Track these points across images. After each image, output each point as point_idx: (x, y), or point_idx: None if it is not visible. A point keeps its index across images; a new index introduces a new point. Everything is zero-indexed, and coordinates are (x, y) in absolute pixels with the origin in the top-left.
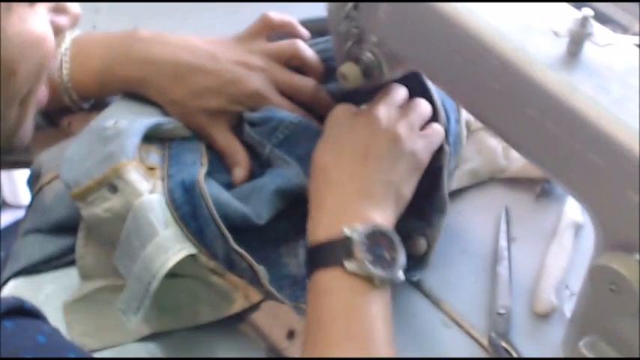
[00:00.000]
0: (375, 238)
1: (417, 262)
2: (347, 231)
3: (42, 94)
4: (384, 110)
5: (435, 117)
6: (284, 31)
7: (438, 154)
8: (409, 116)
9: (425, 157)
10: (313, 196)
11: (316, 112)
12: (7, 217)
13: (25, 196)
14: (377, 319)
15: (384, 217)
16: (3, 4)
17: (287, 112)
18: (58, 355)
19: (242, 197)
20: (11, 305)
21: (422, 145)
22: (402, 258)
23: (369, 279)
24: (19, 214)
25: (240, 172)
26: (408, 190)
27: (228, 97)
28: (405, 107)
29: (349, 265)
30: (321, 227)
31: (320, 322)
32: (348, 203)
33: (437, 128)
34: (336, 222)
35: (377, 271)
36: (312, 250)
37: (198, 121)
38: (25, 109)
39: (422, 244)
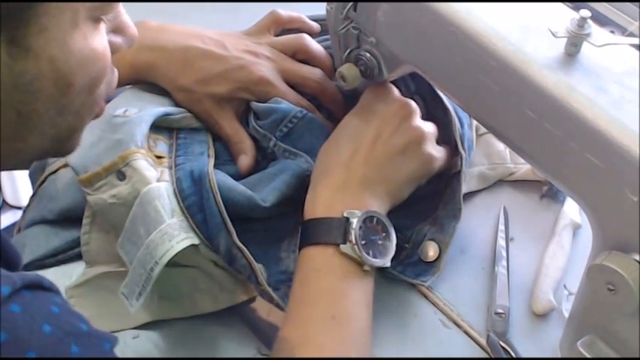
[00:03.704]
0: (372, 224)
1: (428, 267)
2: (347, 213)
3: (99, 106)
4: (416, 111)
5: (446, 122)
6: (293, 27)
7: (455, 159)
8: (431, 129)
9: (435, 168)
10: (322, 164)
11: (322, 102)
12: (8, 218)
13: (25, 197)
14: (361, 304)
15: (380, 209)
16: (71, 21)
17: (291, 106)
18: (71, 326)
19: (251, 186)
20: (32, 280)
21: (439, 155)
22: (392, 247)
23: (359, 263)
24: (20, 214)
25: (245, 159)
26: (406, 192)
27: (234, 82)
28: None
29: (344, 247)
30: (322, 203)
31: (306, 298)
32: (353, 186)
33: (447, 151)
34: (338, 201)
35: (368, 257)
36: (308, 224)
37: (205, 107)
38: (79, 120)
39: (434, 249)
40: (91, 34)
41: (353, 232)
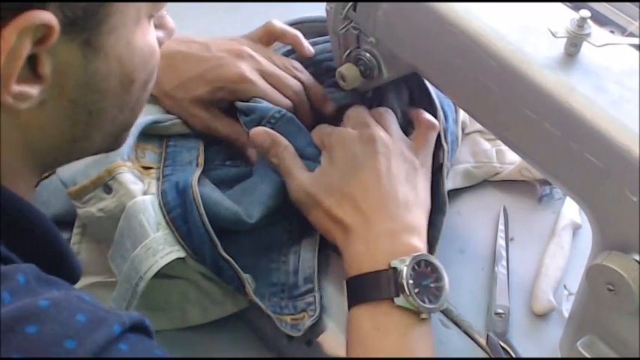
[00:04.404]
0: (421, 269)
1: None
2: (394, 264)
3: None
4: (376, 130)
5: (432, 116)
6: (286, 42)
7: (437, 152)
8: (392, 128)
9: (429, 160)
10: (344, 229)
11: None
12: None
13: None
14: (427, 355)
15: (421, 233)
16: (134, 18)
17: (270, 105)
18: None
19: (235, 199)
20: (137, 320)
21: (424, 151)
22: (446, 286)
23: (416, 312)
24: None
25: (253, 152)
26: (429, 197)
27: (212, 82)
28: (378, 118)
29: (399, 300)
30: (364, 258)
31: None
32: (385, 229)
33: (426, 123)
34: (379, 251)
35: (425, 305)
36: (355, 281)
37: (191, 112)
38: (133, 116)
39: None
40: (147, 30)
41: (405, 283)
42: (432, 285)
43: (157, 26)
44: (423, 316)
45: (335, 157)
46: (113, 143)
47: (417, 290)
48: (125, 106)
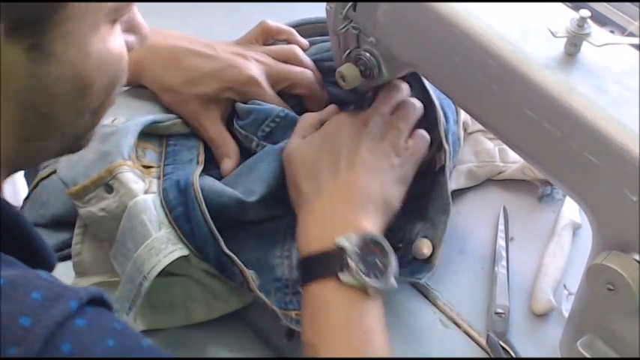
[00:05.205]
0: (368, 247)
1: (423, 264)
2: (339, 241)
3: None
4: (375, 120)
5: (433, 118)
6: (281, 39)
7: (439, 153)
8: (398, 126)
9: (410, 169)
10: (301, 199)
11: (307, 105)
12: None
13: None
14: (374, 330)
15: (374, 224)
16: (91, 24)
17: (273, 105)
18: (133, 341)
19: (232, 182)
20: (94, 294)
21: (406, 157)
22: (394, 265)
23: (363, 289)
24: None
25: (229, 163)
26: (395, 200)
27: (222, 82)
28: (395, 113)
29: (343, 276)
30: (313, 238)
31: (319, 336)
32: (338, 211)
33: (421, 136)
34: (328, 232)
35: (370, 282)
36: (305, 261)
37: (190, 109)
38: (95, 118)
39: (427, 246)
40: (108, 36)
41: (349, 260)
42: (379, 262)
43: (129, 30)
44: (370, 292)
45: (324, 131)
46: (76, 144)
47: (362, 268)
48: (84, 109)
